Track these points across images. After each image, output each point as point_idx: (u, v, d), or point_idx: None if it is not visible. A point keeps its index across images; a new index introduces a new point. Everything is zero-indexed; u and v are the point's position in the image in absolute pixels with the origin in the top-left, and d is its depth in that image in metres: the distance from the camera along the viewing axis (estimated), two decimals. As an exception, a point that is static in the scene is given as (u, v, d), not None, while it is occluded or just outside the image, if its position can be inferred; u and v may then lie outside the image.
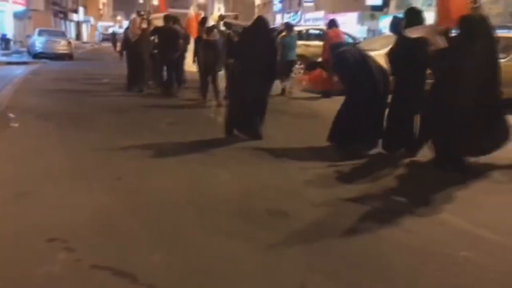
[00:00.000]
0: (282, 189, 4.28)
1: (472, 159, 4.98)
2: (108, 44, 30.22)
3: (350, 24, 26.14)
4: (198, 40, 9.45)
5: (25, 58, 20.26)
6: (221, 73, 9.13)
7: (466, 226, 3.49)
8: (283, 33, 10.74)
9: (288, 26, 11.23)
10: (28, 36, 24.51)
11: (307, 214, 3.71)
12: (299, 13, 37.66)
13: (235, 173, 4.78)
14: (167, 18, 10.30)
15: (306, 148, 5.68)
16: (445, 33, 4.97)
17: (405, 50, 5.06)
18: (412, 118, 5.24)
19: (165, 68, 10.13)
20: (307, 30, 14.82)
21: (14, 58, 20.45)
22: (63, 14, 42.54)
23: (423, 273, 2.83)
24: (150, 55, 10.20)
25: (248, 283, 2.70)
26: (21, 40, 27.42)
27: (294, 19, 36.66)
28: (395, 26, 5.42)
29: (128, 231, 3.30)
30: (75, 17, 47.67)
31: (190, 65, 10.55)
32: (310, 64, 12.46)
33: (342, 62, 5.35)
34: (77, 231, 3.24)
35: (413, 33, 4.96)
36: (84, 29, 54.06)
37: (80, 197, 3.89)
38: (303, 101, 9.91)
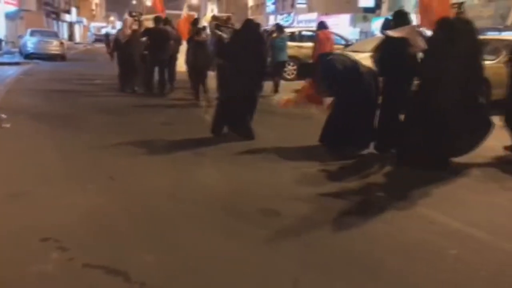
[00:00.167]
0: (273, 188, 4.32)
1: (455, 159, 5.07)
2: (100, 45, 30.10)
3: (342, 26, 26.25)
4: (190, 41, 9.52)
5: (17, 58, 20.11)
6: (212, 74, 9.20)
7: (455, 225, 3.55)
8: (274, 35, 10.81)
9: (279, 28, 11.30)
10: (20, 37, 24.33)
11: (298, 212, 3.75)
12: (292, 14, 37.76)
13: (227, 172, 4.82)
14: (157, 19, 10.37)
15: (297, 148, 5.72)
16: (422, 34, 5.10)
17: (390, 50, 5.15)
18: (401, 118, 5.31)
19: (156, 69, 10.17)
20: (300, 32, 14.87)
21: (6, 58, 20.29)
22: (56, 14, 42.29)
23: (413, 271, 2.88)
24: (141, 56, 10.21)
25: (241, 280, 2.72)
26: (13, 41, 27.21)
27: (287, 21, 36.75)
28: (385, 27, 5.51)
29: (121, 231, 3.32)
30: (67, 17, 47.41)
31: (182, 66, 10.58)
32: (302, 65, 12.55)
33: (332, 69, 5.43)
34: (70, 231, 3.25)
35: (395, 33, 5.08)
36: (77, 30, 53.77)
37: (73, 197, 3.90)
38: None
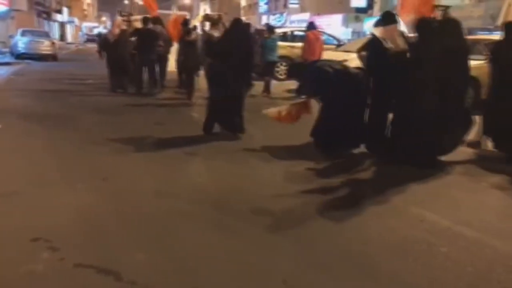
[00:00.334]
0: (265, 186, 4.34)
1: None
2: (92, 45, 29.95)
3: (335, 26, 26.36)
4: (180, 41, 9.64)
5: (8, 58, 19.93)
6: (202, 73, 9.26)
7: (445, 223, 3.59)
8: (266, 35, 10.93)
9: (270, 28, 11.41)
10: (11, 37, 24.13)
11: (289, 210, 3.78)
12: (284, 14, 37.83)
13: (219, 171, 4.84)
14: (145, 20, 10.42)
15: (288, 147, 5.74)
16: (402, 34, 5.16)
17: (376, 49, 5.22)
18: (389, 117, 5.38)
19: (145, 69, 10.23)
20: (292, 32, 14.91)
21: (-3, 58, 20.14)
22: (47, 14, 41.98)
23: (404, 268, 2.90)
24: (130, 56, 10.26)
25: (232, 278, 2.73)
26: (3, 41, 26.97)
27: (279, 21, 36.84)
28: (376, 27, 5.59)
29: (112, 230, 3.32)
30: (59, 17, 47.08)
31: (173, 66, 10.66)
32: (292, 65, 12.62)
33: (324, 73, 5.49)
34: (61, 230, 3.24)
35: (377, 31, 5.15)
36: (68, 30, 53.42)
37: (64, 197, 3.89)
38: (285, 101, 9.95)
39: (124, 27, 10.63)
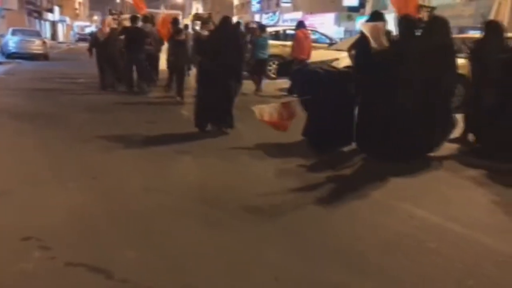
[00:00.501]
0: (256, 184, 4.37)
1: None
2: (84, 44, 29.82)
3: (327, 25, 26.44)
4: (170, 40, 9.68)
5: (-2, 58, 19.82)
6: (193, 71, 9.32)
7: (434, 219, 3.63)
8: (257, 33, 11.04)
9: (261, 27, 11.57)
10: (2, 36, 23.92)
11: (280, 206, 3.81)
12: (277, 13, 37.85)
13: (210, 168, 4.86)
14: (133, 18, 10.44)
15: (278, 145, 5.76)
16: (388, 33, 5.21)
17: (364, 48, 5.28)
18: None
19: (134, 68, 10.27)
20: (284, 31, 14.93)
21: (-13, 58, 19.97)
22: (38, 13, 41.66)
23: (393, 264, 2.93)
24: (119, 54, 10.30)
25: (223, 275, 2.75)
26: (-6, 40, 26.77)
27: (272, 20, 36.85)
28: None
29: (103, 229, 3.32)
30: (50, 16, 46.72)
31: (163, 64, 10.73)
32: (283, 63, 12.70)
33: (315, 74, 5.56)
34: (52, 230, 3.24)
35: (364, 27, 5.24)
36: (60, 29, 53.05)
37: (55, 196, 3.88)
38: (275, 99, 9.99)
39: (114, 25, 10.68)
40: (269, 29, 14.56)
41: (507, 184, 4.57)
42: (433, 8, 6.41)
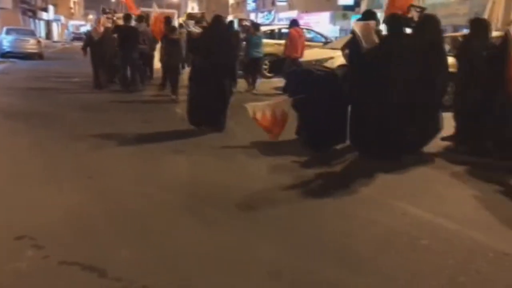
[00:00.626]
0: (251, 181, 4.38)
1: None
2: (79, 44, 29.78)
3: (323, 24, 26.49)
4: (163, 39, 9.72)
5: (-7, 57, 19.72)
6: (186, 70, 9.36)
7: (426, 216, 3.65)
8: (251, 32, 11.14)
9: (255, 25, 11.65)
10: (-4, 35, 23.83)
11: (274, 203, 3.83)
12: (272, 12, 37.86)
13: (205, 167, 4.86)
14: (126, 17, 10.47)
15: (272, 143, 5.75)
16: (378, 32, 5.25)
17: (356, 47, 5.33)
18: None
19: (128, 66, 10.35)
20: (279, 29, 14.94)
21: (-19, 57, 19.87)
22: (32, 12, 41.48)
23: (385, 261, 2.95)
24: (114, 54, 10.34)
25: (218, 272, 2.76)
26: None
27: (267, 19, 36.86)
28: None
29: (98, 228, 3.32)
30: (44, 15, 46.54)
31: (158, 63, 10.81)
32: (275, 61, 12.76)
33: (310, 73, 5.60)
34: (46, 229, 3.23)
35: (356, 26, 5.30)
36: (55, 28, 52.83)
37: (49, 196, 3.88)
38: (269, 97, 10.02)
39: (108, 24, 10.71)
40: (264, 28, 14.62)
41: (497, 181, 4.61)
42: (423, 9, 6.47)
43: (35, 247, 2.96)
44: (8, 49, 19.71)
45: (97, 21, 11.25)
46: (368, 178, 4.59)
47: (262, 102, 5.69)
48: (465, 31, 9.21)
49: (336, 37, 18.51)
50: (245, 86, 10.78)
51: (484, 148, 5.28)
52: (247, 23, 13.24)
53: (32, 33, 22.46)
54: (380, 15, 7.82)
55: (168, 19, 10.79)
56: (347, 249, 3.10)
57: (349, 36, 8.71)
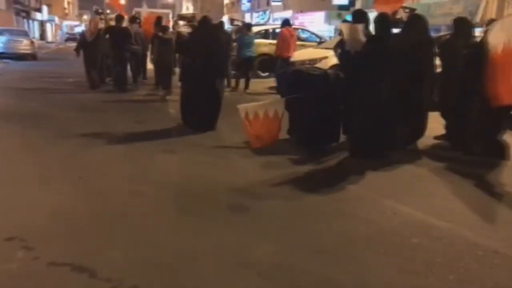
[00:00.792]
0: (244, 181, 4.39)
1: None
2: (74, 44, 29.71)
3: (318, 23, 26.54)
4: (155, 39, 9.77)
5: (-14, 58, 19.61)
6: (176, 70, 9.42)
7: (417, 215, 3.67)
8: (243, 32, 11.28)
9: (247, 26, 11.78)
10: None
11: (266, 203, 3.83)
12: (267, 12, 37.86)
13: (197, 166, 4.88)
14: (118, 18, 10.55)
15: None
16: (367, 32, 5.30)
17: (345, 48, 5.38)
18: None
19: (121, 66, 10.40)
20: (274, 29, 14.95)
21: (-26, 58, 19.75)
22: (26, 13, 41.32)
23: (375, 260, 2.97)
24: (106, 54, 10.47)
25: (209, 271, 2.76)
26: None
27: (263, 18, 36.87)
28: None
29: (87, 229, 3.31)
30: (38, 16, 46.35)
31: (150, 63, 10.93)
32: (263, 61, 12.89)
33: (301, 73, 5.64)
34: (36, 230, 3.23)
35: (343, 27, 5.35)
36: (49, 29, 52.61)
37: (39, 197, 3.87)
38: (260, 96, 10.04)
39: (101, 25, 10.80)
40: (258, 28, 14.66)
41: (485, 178, 4.67)
42: (412, 9, 6.54)
43: (25, 248, 2.96)
44: (1, 50, 19.62)
45: (90, 21, 11.29)
46: (359, 176, 4.61)
47: (254, 103, 5.69)
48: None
49: (330, 37, 18.54)
50: (240, 86, 10.85)
51: (471, 149, 5.30)
52: (238, 23, 13.34)
53: (25, 34, 22.36)
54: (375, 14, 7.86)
55: (158, 20, 10.87)
56: (337, 247, 3.11)
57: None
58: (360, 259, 2.97)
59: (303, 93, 5.38)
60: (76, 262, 2.79)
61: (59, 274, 2.70)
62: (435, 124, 5.90)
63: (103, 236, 3.21)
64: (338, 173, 4.81)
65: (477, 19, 17.94)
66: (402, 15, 6.03)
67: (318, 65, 8.86)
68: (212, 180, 4.40)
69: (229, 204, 3.82)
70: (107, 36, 10.22)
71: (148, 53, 11.37)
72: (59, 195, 3.93)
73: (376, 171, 4.77)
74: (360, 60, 5.04)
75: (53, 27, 55.41)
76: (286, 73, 6.35)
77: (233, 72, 11.20)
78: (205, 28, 6.54)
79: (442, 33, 10.34)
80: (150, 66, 10.82)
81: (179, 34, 9.09)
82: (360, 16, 5.53)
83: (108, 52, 10.30)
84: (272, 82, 11.50)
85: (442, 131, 5.90)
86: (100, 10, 13.36)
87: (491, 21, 6.79)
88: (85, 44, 10.59)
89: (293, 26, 14.07)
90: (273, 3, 36.19)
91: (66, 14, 63.77)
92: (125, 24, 10.63)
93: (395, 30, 5.54)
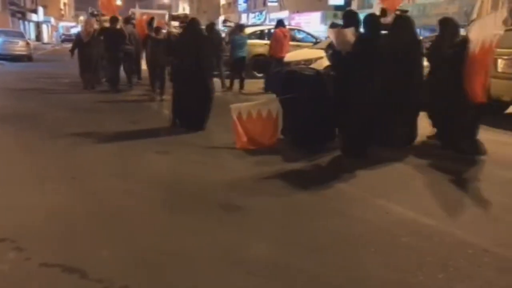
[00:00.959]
0: (237, 180, 4.41)
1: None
2: (70, 45, 29.70)
3: (314, 24, 26.62)
4: (148, 39, 9.82)
5: (-19, 59, 19.56)
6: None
7: (409, 214, 3.68)
8: (236, 33, 11.42)
9: (239, 26, 12.02)
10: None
11: (259, 202, 3.85)
12: (264, 12, 37.91)
13: (190, 166, 4.90)
14: (113, 19, 10.62)
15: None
16: (358, 34, 5.34)
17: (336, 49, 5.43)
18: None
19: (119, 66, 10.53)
20: (269, 30, 14.98)
21: (-31, 60, 19.70)
22: (22, 14, 41.24)
23: (366, 259, 2.98)
24: (101, 55, 10.59)
25: (199, 271, 2.77)
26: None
27: (259, 19, 36.91)
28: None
29: (80, 230, 3.32)
30: (34, 17, 46.25)
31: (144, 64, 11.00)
32: (256, 61, 12.96)
33: (294, 73, 5.70)
34: (28, 231, 3.23)
35: (330, 33, 5.37)
36: (45, 30, 52.49)
37: (31, 197, 3.88)
38: (254, 96, 10.06)
39: (96, 26, 10.96)
40: (254, 29, 14.72)
41: (475, 176, 4.73)
42: (404, 11, 6.60)
43: (17, 249, 2.96)
44: (-4, 51, 19.60)
45: (85, 22, 11.40)
46: (351, 175, 4.65)
47: (248, 102, 5.71)
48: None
49: (326, 37, 18.56)
50: (235, 87, 10.91)
51: (460, 147, 5.34)
52: (231, 24, 13.47)
53: (21, 35, 22.36)
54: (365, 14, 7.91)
55: (150, 21, 10.95)
56: (328, 247, 3.12)
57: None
58: (352, 258, 2.99)
59: (296, 93, 5.40)
60: (68, 263, 2.79)
61: (50, 275, 2.70)
62: (428, 123, 5.93)
63: (95, 236, 3.22)
64: (331, 172, 4.83)
65: (472, 18, 18.03)
66: (391, 17, 6.09)
67: (313, 65, 8.91)
68: (204, 179, 4.42)
69: (222, 203, 3.84)
70: (101, 37, 10.32)
71: (144, 54, 11.44)
72: (52, 195, 3.94)
73: (368, 170, 4.80)
74: (350, 61, 5.07)
75: (49, 28, 55.29)
76: (279, 72, 6.38)
77: (227, 72, 11.28)
78: (193, 29, 6.62)
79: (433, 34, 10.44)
80: (144, 66, 10.88)
81: (169, 35, 9.16)
82: (350, 17, 5.56)
83: (103, 53, 10.41)
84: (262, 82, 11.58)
85: (434, 130, 5.94)
86: (95, 12, 13.41)
87: (472, 21, 6.86)
88: (80, 45, 10.68)
89: (289, 27, 14.16)
90: (269, 4, 36.26)
91: (62, 15, 63.63)
92: (120, 25, 10.69)
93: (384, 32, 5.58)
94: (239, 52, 10.89)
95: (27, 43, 20.96)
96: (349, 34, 5.10)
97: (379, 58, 5.03)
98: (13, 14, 37.66)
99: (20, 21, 40.39)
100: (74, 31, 44.69)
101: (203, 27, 9.13)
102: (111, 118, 7.44)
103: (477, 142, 5.27)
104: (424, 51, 5.74)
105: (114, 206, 3.75)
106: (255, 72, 13.07)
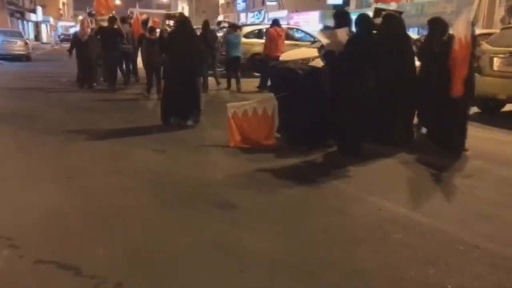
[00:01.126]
0: (230, 177, 4.45)
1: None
2: (68, 45, 29.71)
3: (312, 23, 26.62)
4: (143, 39, 9.92)
5: (-20, 59, 19.57)
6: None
7: (401, 211, 3.71)
8: (231, 32, 11.51)
9: (234, 26, 12.17)
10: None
11: (252, 201, 3.87)
12: (262, 12, 37.91)
13: (185, 165, 4.91)
14: (110, 19, 10.69)
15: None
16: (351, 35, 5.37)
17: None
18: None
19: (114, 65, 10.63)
20: (267, 29, 15.00)
21: (-32, 59, 19.71)
22: (20, 14, 41.22)
23: (358, 255, 3.01)
24: (98, 54, 10.69)
25: (192, 269, 2.79)
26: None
27: (258, 18, 36.91)
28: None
29: (74, 228, 3.34)
30: (33, 17, 46.22)
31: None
32: (252, 60, 13.09)
33: (290, 71, 5.69)
34: (23, 229, 3.25)
35: (320, 37, 5.43)
36: (44, 30, 52.46)
37: (28, 196, 3.90)
38: (251, 95, 10.10)
39: (93, 26, 11.06)
40: (251, 28, 14.74)
41: (468, 174, 4.75)
42: (399, 12, 6.65)
43: (11, 247, 2.98)
44: (-5, 51, 19.63)
45: (82, 22, 11.45)
46: (345, 172, 4.69)
47: (244, 101, 5.73)
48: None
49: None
50: (224, 86, 11.03)
51: (451, 144, 5.38)
52: (225, 24, 13.62)
53: (19, 35, 22.36)
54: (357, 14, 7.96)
55: (145, 21, 11.03)
56: (321, 245, 3.14)
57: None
58: (345, 254, 3.01)
59: (292, 91, 5.42)
60: (61, 260, 2.82)
61: (45, 272, 2.72)
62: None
63: (89, 233, 3.24)
64: (325, 169, 4.86)
65: (471, 18, 18.07)
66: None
67: (311, 64, 8.93)
68: (199, 177, 4.45)
69: (216, 199, 3.86)
70: (98, 36, 10.38)
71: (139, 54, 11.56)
72: (47, 193, 3.96)
73: (363, 167, 4.84)
74: (343, 60, 5.09)
75: (48, 28, 55.26)
76: (274, 67, 6.44)
77: (222, 71, 11.40)
78: (185, 28, 6.69)
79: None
80: (141, 65, 10.96)
81: (162, 33, 9.21)
82: (341, 17, 5.58)
83: (101, 52, 10.48)
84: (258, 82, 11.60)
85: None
86: (93, 12, 13.48)
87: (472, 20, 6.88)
88: (78, 44, 10.75)
89: (287, 26, 14.20)
90: (268, 3, 36.26)
91: (61, 15, 63.63)
92: (117, 24, 10.73)
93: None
94: (234, 52, 10.98)
95: (26, 43, 20.97)
96: (342, 34, 5.13)
97: (372, 57, 5.05)
98: (11, 14, 37.63)
99: (19, 21, 40.37)
100: (73, 30, 44.66)
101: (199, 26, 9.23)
102: (108, 117, 7.47)
103: (464, 138, 5.32)
104: (415, 50, 5.77)
105: (109, 203, 3.78)
106: (253, 71, 13.10)
